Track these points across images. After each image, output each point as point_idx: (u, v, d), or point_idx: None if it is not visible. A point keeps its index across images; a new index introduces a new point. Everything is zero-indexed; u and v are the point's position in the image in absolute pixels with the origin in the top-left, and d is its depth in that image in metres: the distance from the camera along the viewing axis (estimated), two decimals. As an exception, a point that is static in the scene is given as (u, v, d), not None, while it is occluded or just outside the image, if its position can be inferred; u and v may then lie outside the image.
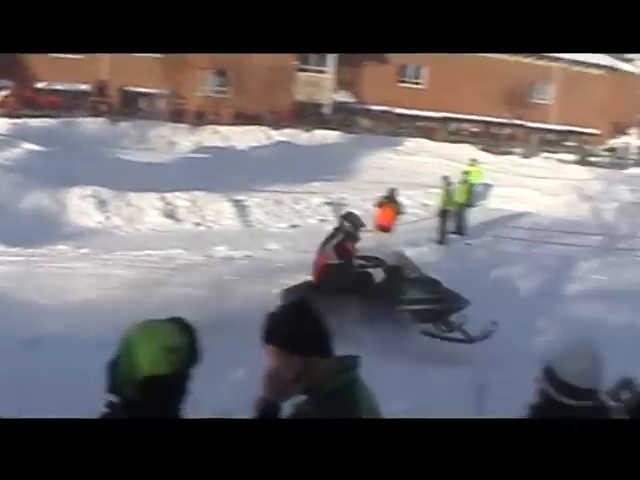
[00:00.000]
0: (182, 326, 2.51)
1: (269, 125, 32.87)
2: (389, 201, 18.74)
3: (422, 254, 17.93)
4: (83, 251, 14.97)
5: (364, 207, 20.72)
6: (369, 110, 35.81)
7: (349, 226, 10.42)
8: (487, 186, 25.52)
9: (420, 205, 22.42)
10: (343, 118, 35.16)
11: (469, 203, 21.14)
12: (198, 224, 18.90)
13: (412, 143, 32.48)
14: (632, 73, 41.44)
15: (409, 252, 17.69)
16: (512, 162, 32.60)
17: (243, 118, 33.23)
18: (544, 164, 33.07)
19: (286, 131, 32.45)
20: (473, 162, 24.93)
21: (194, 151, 28.67)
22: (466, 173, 21.93)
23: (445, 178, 20.34)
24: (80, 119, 31.57)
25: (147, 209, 18.83)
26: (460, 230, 20.33)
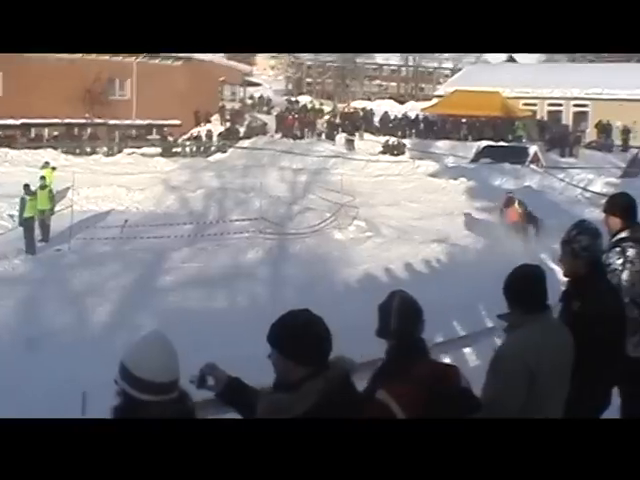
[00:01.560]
0: None
1: None
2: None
3: (14, 266, 17.83)
4: None
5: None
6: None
7: None
8: (73, 189, 25.61)
9: (6, 217, 22.13)
10: None
11: (51, 208, 21.28)
12: None
13: (-9, 154, 31.43)
14: (210, 61, 42.41)
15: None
16: (97, 162, 33.02)
17: None
18: (129, 160, 33.84)
19: None
20: (46, 165, 24.98)
21: None
22: (42, 178, 21.97)
23: (26, 186, 20.39)
24: None
25: None
26: (46, 237, 20.54)
